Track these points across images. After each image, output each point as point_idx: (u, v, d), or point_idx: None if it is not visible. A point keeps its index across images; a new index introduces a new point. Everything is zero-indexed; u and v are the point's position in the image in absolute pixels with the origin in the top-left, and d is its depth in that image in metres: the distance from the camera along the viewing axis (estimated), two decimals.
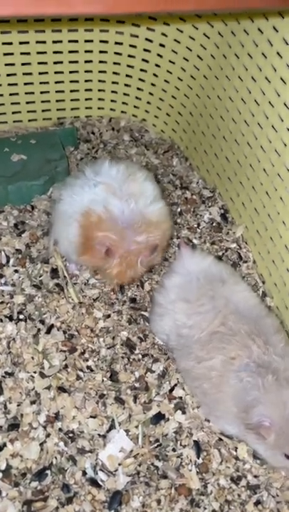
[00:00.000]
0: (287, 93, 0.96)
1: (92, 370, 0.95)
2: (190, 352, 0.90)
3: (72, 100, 1.45)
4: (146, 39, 1.33)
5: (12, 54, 1.30)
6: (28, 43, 1.29)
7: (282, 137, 1.00)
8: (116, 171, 1.01)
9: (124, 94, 1.46)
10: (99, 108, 1.49)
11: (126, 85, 1.44)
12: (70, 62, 1.36)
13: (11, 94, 1.38)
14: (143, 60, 1.37)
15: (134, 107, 1.49)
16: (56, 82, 1.39)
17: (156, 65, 1.37)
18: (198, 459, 0.87)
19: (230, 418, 0.85)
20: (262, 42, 1.02)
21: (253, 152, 1.11)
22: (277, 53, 0.98)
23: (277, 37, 0.97)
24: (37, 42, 1.29)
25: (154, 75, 1.39)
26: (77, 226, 0.96)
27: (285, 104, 0.97)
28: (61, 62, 1.35)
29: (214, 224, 1.23)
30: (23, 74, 1.35)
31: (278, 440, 0.78)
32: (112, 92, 1.46)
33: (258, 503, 0.83)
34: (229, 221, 1.23)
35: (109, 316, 1.05)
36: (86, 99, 1.46)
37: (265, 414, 0.78)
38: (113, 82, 1.44)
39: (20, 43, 1.29)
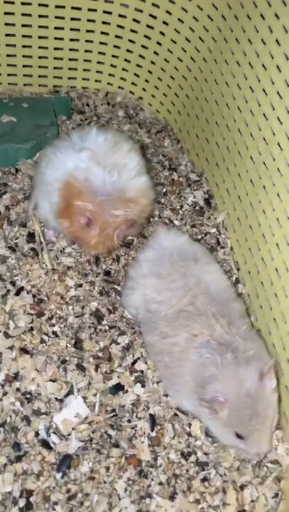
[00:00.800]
0: (281, 82, 0.96)
1: (57, 336, 0.96)
2: (156, 327, 0.91)
3: (70, 69, 1.43)
4: (151, 15, 1.31)
5: (13, 14, 1.28)
6: (30, 4, 1.26)
7: (271, 126, 1.00)
8: (103, 139, 1.00)
9: (123, 69, 1.45)
10: (96, 81, 1.48)
11: (126, 60, 1.43)
12: (72, 29, 1.34)
13: (8, 56, 1.36)
14: (145, 36, 1.36)
15: (132, 83, 1.48)
16: (55, 49, 1.37)
17: (158, 43, 1.36)
18: (152, 432, 0.88)
19: (187, 392, 0.86)
20: (263, 28, 1.02)
21: (242, 139, 1.11)
22: (276, 41, 0.98)
23: (278, 24, 0.97)
24: (39, 5, 1.27)
25: (155, 52, 1.38)
26: (58, 193, 0.96)
27: (278, 93, 0.97)
28: (62, 29, 1.33)
29: (197, 208, 1.23)
30: (23, 36, 1.33)
31: (230, 417, 0.80)
32: (112, 65, 1.45)
33: (204, 479, 0.85)
34: (212, 206, 1.23)
35: (81, 285, 1.04)
36: (84, 70, 1.45)
37: (221, 390, 0.80)
38: (113, 56, 1.42)
39: (23, 3, 1.26)
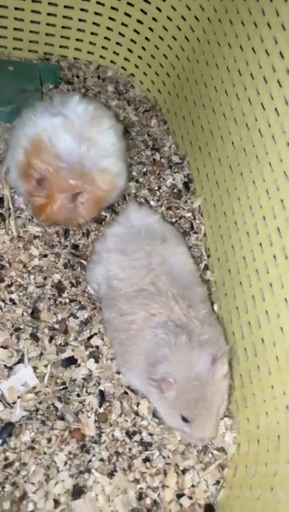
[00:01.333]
0: (269, 66, 0.94)
1: (14, 303, 0.94)
2: (115, 304, 0.89)
3: (62, 37, 1.40)
4: None
5: None
6: None
7: (255, 111, 0.97)
8: (83, 108, 0.97)
9: (117, 43, 1.42)
10: (89, 52, 1.44)
11: (120, 34, 1.39)
12: None
13: None
14: (141, 10, 1.33)
15: (125, 59, 1.44)
16: (49, 14, 1.33)
17: (154, 19, 1.32)
18: (100, 408, 0.87)
19: (138, 371, 0.84)
20: (256, 10, 0.99)
21: (226, 123, 1.09)
22: (268, 24, 0.95)
23: (271, 7, 0.94)
24: None
25: (150, 29, 1.35)
26: (23, 152, 0.93)
27: (264, 78, 0.95)
28: None
29: (175, 190, 1.21)
30: None
31: (177, 399, 0.78)
32: (105, 38, 1.41)
33: (146, 460, 0.84)
34: (190, 190, 1.21)
35: (46, 255, 1.02)
36: (77, 40, 1.41)
37: (171, 371, 0.78)
38: (108, 28, 1.39)
39: None
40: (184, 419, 0.80)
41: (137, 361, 0.84)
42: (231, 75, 1.08)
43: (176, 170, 1.25)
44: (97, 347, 0.93)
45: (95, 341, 0.93)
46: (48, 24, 1.36)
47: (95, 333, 0.94)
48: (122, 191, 1.09)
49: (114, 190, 1.02)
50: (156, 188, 1.21)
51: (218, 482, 0.85)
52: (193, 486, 0.84)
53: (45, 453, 0.81)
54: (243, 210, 0.99)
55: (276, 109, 0.90)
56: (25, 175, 0.94)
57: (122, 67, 1.46)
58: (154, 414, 0.87)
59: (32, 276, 0.98)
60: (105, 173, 0.96)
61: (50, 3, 1.31)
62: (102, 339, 0.94)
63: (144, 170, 1.24)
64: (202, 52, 1.21)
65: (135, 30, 1.37)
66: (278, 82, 0.91)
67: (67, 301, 0.98)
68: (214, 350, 0.81)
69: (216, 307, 1.03)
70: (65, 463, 0.81)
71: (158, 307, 0.85)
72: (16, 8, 1.31)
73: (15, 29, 1.35)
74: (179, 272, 0.91)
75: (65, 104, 0.98)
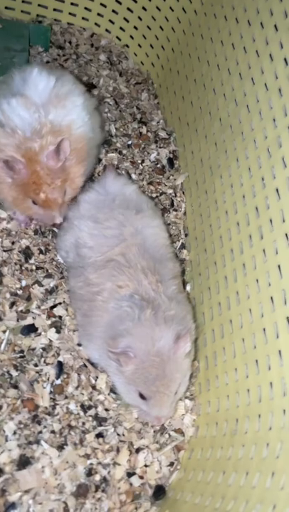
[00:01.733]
0: (262, 40, 0.89)
1: None
2: (82, 273, 0.86)
3: (56, 0, 1.34)
4: None
5: None
6: None
7: (244, 86, 0.94)
8: (45, 84, 0.90)
9: (113, 11, 1.36)
10: (84, 18, 1.39)
11: (117, 1, 1.34)
12: None
13: None
14: None
15: (120, 28, 1.39)
16: None
17: None
18: (57, 379, 0.84)
19: (99, 343, 0.81)
20: None
21: (215, 98, 1.05)
22: None
23: None
24: None
25: None
26: None
27: (257, 52, 0.91)
28: None
29: (159, 165, 1.17)
30: None
31: (136, 374, 0.75)
32: (101, 4, 1.36)
33: (99, 435, 0.80)
34: (174, 167, 1.17)
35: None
36: (72, 4, 1.35)
37: (131, 345, 0.75)
38: None
39: None
40: (142, 396, 0.77)
41: (99, 333, 0.81)
42: (224, 48, 1.03)
43: (161, 145, 1.21)
44: (60, 317, 0.89)
45: (58, 311, 0.90)
46: None
47: (59, 303, 0.91)
48: (99, 147, 1.02)
49: (85, 141, 0.92)
50: (139, 161, 1.17)
51: (172, 464, 0.82)
52: (146, 465, 0.81)
53: None
54: (224, 189, 0.95)
55: (265, 84, 0.86)
56: None
57: (117, 37, 1.41)
58: (112, 390, 0.84)
59: None
60: (71, 126, 0.88)
61: None
62: (66, 310, 0.90)
63: (129, 142, 1.20)
64: (198, 25, 1.17)
65: None
66: (270, 56, 0.87)
67: (34, 268, 0.94)
68: (179, 328, 0.78)
69: (188, 287, 1.00)
70: (14, 432, 0.78)
71: (126, 279, 0.82)
72: None
73: None
74: (151, 245, 0.87)
75: (26, 82, 0.90)
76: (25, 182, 0.85)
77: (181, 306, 0.83)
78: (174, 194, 1.12)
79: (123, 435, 0.82)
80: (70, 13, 1.37)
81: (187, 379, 0.82)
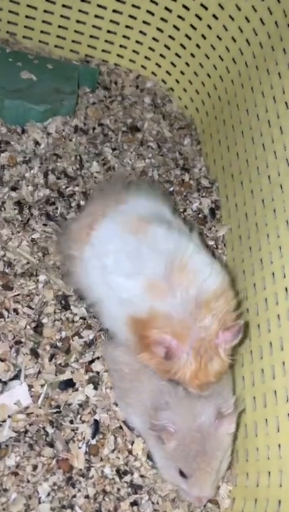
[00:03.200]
0: None
1: (17, 314, 0.88)
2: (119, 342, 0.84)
3: (106, 41, 1.36)
4: (202, 4, 1.24)
5: None
6: None
7: None
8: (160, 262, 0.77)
9: (161, 55, 1.37)
10: (130, 60, 1.40)
11: (165, 46, 1.35)
12: (117, 0, 1.27)
13: (45, 11, 1.28)
14: (191, 25, 1.28)
15: (167, 72, 1.40)
16: (95, 16, 1.30)
17: (203, 36, 1.28)
18: (93, 439, 0.82)
19: (140, 409, 0.79)
20: None
21: (264, 155, 1.04)
22: None
23: None
24: None
25: (197, 45, 1.30)
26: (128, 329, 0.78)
27: None
28: None
29: (200, 215, 1.16)
30: None
31: (176, 450, 0.73)
32: (150, 48, 1.37)
33: (134, 503, 0.78)
34: (216, 218, 1.16)
35: None
36: (120, 46, 1.37)
37: (172, 420, 0.73)
38: (153, 39, 1.34)
39: None
40: (182, 474, 0.74)
41: (140, 399, 0.79)
42: (277, 105, 1.03)
43: (204, 194, 1.20)
44: (98, 372, 0.88)
45: (96, 366, 0.88)
46: (93, 26, 1.32)
47: (98, 358, 0.89)
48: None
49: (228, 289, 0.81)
50: (181, 210, 1.16)
51: None
52: None
53: (28, 481, 0.76)
54: (270, 249, 0.94)
55: None
56: (142, 349, 0.75)
57: (162, 80, 1.42)
58: (149, 456, 0.81)
59: (41, 285, 0.93)
60: (218, 290, 0.77)
61: (98, 5, 1.28)
62: (104, 365, 0.88)
63: (171, 189, 1.19)
64: (248, 78, 1.17)
65: (182, 45, 1.33)
66: None
67: (76, 318, 0.92)
68: (219, 402, 0.76)
69: None
70: (48, 494, 0.76)
71: None
72: (63, 6, 1.27)
73: (59, 26, 1.32)
74: None
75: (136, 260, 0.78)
76: None
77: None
78: (215, 246, 1.11)
79: (157, 503, 0.79)
80: (117, 55, 1.39)
81: (228, 455, 0.79)
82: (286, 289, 0.86)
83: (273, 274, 0.91)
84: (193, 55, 1.33)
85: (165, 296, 0.74)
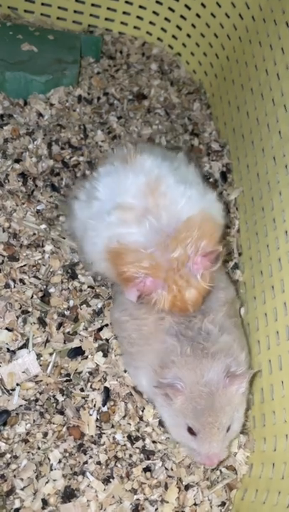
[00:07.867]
0: None
1: (24, 284, 0.87)
2: (125, 308, 0.82)
3: (108, 9, 1.32)
4: None
5: None
6: None
7: None
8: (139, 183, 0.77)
9: (166, 19, 1.33)
10: (135, 27, 1.36)
11: (170, 9, 1.30)
12: None
13: None
14: None
15: (173, 36, 1.35)
16: None
17: None
18: (104, 406, 0.80)
19: (148, 372, 0.76)
20: None
21: (274, 110, 0.98)
22: None
23: None
24: None
25: (202, 4, 1.25)
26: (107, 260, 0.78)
27: None
28: None
29: (211, 180, 1.12)
30: None
31: (184, 406, 0.71)
32: (154, 13, 1.32)
33: (147, 469, 0.76)
34: (228, 181, 1.12)
35: None
36: (124, 13, 1.33)
37: (180, 376, 0.71)
38: (157, 2, 1.30)
39: None
40: (191, 432, 0.72)
41: (149, 360, 0.77)
42: (285, 56, 0.97)
43: (214, 158, 1.15)
44: (107, 340, 0.86)
45: (105, 333, 0.86)
46: None
47: (106, 325, 0.87)
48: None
49: (218, 229, 0.80)
50: None
51: (223, 504, 0.77)
52: (195, 504, 0.76)
53: (39, 448, 0.75)
54: (283, 207, 0.89)
55: None
56: (124, 284, 0.75)
57: (169, 46, 1.37)
58: (160, 423, 0.79)
59: (47, 255, 0.92)
60: (193, 219, 0.74)
61: None
62: (112, 332, 0.87)
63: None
64: (256, 32, 1.11)
65: (186, 6, 1.28)
66: None
67: (84, 287, 0.91)
68: (228, 360, 0.73)
69: (242, 311, 0.94)
70: (60, 461, 0.75)
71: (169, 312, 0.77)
72: None
73: None
74: None
75: (115, 188, 0.79)
76: None
77: (228, 336, 0.77)
78: (227, 210, 1.07)
79: (171, 470, 0.78)
80: (121, 22, 1.35)
81: (241, 415, 0.76)
82: None
83: (286, 232, 0.87)
84: (198, 16, 1.27)
85: (133, 224, 0.74)
